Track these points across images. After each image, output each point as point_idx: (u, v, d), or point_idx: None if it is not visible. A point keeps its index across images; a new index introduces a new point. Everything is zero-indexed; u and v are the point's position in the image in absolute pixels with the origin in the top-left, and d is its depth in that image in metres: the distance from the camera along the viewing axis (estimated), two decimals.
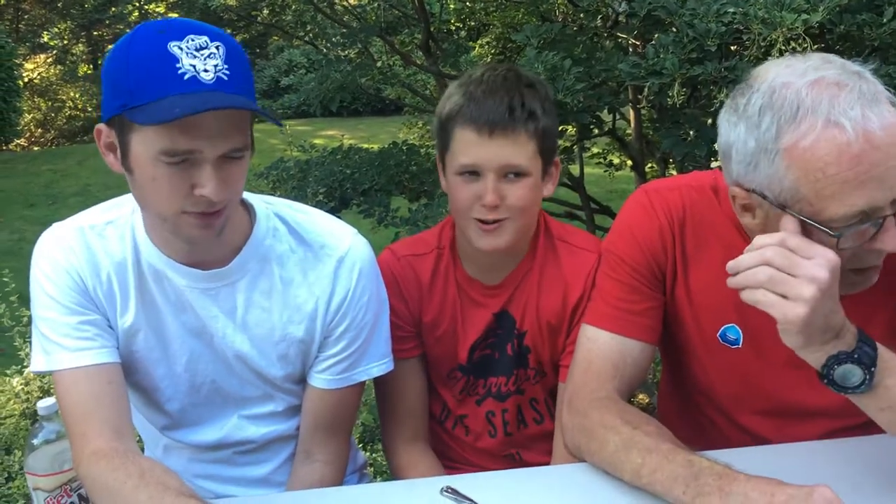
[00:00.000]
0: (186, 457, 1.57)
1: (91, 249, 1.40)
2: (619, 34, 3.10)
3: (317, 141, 6.06)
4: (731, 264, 1.20)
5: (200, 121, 1.18)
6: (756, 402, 1.50)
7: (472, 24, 4.61)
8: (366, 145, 4.42)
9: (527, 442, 1.72)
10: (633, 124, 4.35)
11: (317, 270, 1.43)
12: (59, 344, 1.37)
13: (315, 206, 1.55)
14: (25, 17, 16.54)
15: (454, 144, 1.50)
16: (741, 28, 2.22)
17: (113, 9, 14.45)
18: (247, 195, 1.45)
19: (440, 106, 1.54)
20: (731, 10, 2.20)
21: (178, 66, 1.19)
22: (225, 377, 1.47)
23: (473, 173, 1.48)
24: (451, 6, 4.34)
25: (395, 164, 3.72)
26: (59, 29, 16.44)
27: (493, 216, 1.49)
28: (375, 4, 3.80)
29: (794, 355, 1.20)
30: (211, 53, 1.22)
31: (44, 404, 1.35)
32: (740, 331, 1.45)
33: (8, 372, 3.73)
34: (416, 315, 1.63)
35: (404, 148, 3.87)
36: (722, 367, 1.49)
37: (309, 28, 4.08)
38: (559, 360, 1.63)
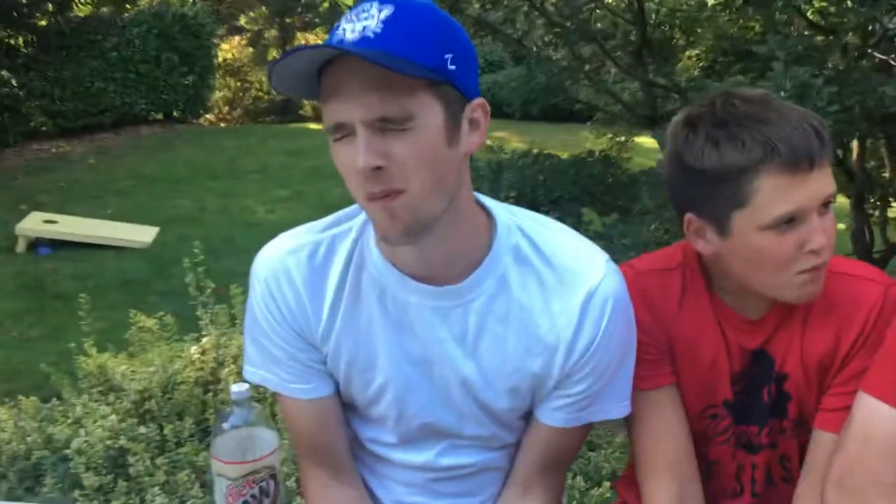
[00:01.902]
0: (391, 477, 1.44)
1: (313, 276, 1.27)
2: (877, 53, 2.76)
3: (487, 142, 5.96)
4: None
5: (339, 86, 1.05)
6: None
7: (683, 32, 4.35)
8: (535, 150, 4.26)
9: None
10: (855, 154, 3.99)
11: (562, 300, 1.22)
12: (272, 371, 1.32)
13: None
14: None
15: (761, 196, 1.24)
16: None
17: None
18: (488, 201, 1.27)
19: (708, 160, 1.26)
20: None
21: (335, 33, 1.07)
22: (440, 412, 1.30)
23: (790, 221, 1.25)
24: (664, 9, 4.09)
25: (590, 174, 3.53)
26: (255, 13, 17.34)
27: (822, 259, 1.26)
28: (592, 5, 3.62)
29: None
30: (369, 15, 1.06)
31: (237, 389, 1.26)
32: None
33: (186, 338, 3.83)
34: (668, 333, 1.40)
35: (600, 158, 3.67)
36: None
37: (518, 25, 3.95)
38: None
